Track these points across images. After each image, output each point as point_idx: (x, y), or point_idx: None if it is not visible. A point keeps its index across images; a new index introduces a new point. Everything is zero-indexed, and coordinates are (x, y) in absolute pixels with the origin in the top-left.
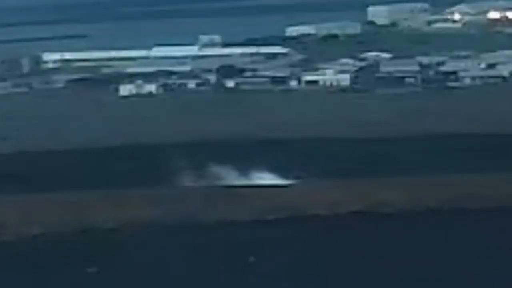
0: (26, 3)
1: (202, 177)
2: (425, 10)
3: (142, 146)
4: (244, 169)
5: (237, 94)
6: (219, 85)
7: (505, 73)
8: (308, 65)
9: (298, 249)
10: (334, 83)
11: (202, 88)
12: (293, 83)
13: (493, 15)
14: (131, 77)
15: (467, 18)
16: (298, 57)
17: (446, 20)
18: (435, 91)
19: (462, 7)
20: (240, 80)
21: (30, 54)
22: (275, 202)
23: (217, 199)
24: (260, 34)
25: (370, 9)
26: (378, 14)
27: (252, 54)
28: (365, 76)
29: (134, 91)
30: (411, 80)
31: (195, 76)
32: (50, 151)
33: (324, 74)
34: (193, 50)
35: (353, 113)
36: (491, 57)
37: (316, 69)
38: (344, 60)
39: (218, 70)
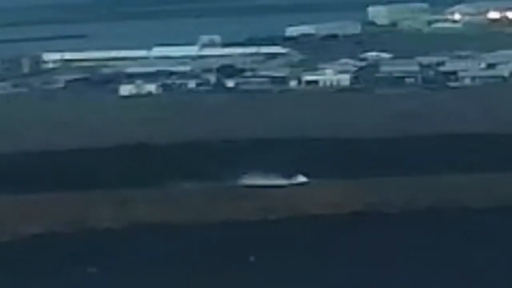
0: (26, 3)
1: (201, 177)
2: (425, 10)
3: (142, 146)
4: (244, 170)
5: (237, 94)
6: (219, 85)
7: (505, 73)
8: (308, 65)
9: (298, 249)
10: (334, 83)
11: (202, 88)
12: (293, 83)
13: (493, 15)
14: (131, 77)
15: (467, 18)
16: (298, 57)
17: (446, 20)
18: (435, 91)
19: (462, 7)
20: (240, 80)
21: (30, 54)
22: (275, 202)
23: (218, 199)
24: (260, 34)
25: (370, 9)
26: (378, 14)
27: (252, 54)
28: (365, 76)
29: (134, 91)
30: (411, 80)
31: (195, 76)
32: (50, 151)
33: (324, 74)
34: (193, 50)
35: (353, 113)
36: (491, 57)
37: (316, 69)
38: (344, 60)
39: (218, 70)
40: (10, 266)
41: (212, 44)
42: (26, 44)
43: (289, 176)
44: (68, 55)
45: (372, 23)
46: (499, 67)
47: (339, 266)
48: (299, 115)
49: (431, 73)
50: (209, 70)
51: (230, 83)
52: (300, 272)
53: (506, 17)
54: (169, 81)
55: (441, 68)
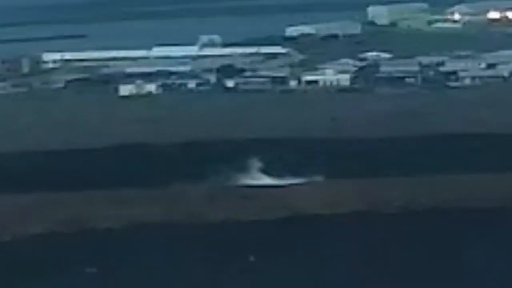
0: (26, 3)
1: (201, 177)
2: (425, 10)
3: (142, 146)
4: (244, 169)
5: (237, 94)
6: (219, 85)
7: (505, 73)
8: (308, 65)
9: (298, 249)
10: (334, 83)
11: (202, 88)
12: (293, 83)
13: (493, 15)
14: (131, 77)
15: (467, 18)
16: (298, 57)
17: (446, 20)
18: (435, 91)
19: (462, 7)
20: (240, 80)
21: (30, 54)
22: (275, 202)
23: (218, 199)
24: (260, 34)
25: (370, 9)
26: (378, 14)
27: (252, 54)
28: (365, 76)
29: (134, 91)
30: (411, 80)
31: (195, 76)
32: (50, 151)
33: (324, 74)
34: (193, 50)
35: (353, 113)
36: (491, 57)
37: (316, 69)
38: (344, 60)
39: (218, 70)
40: (10, 266)
41: (212, 44)
42: (26, 44)
43: (289, 176)
44: (68, 55)
45: (372, 23)
46: (499, 67)
47: (339, 266)
48: (299, 115)
49: (431, 73)
50: (209, 70)
51: (230, 83)
52: (300, 272)
53: (506, 17)
54: (169, 81)
55: (441, 68)
